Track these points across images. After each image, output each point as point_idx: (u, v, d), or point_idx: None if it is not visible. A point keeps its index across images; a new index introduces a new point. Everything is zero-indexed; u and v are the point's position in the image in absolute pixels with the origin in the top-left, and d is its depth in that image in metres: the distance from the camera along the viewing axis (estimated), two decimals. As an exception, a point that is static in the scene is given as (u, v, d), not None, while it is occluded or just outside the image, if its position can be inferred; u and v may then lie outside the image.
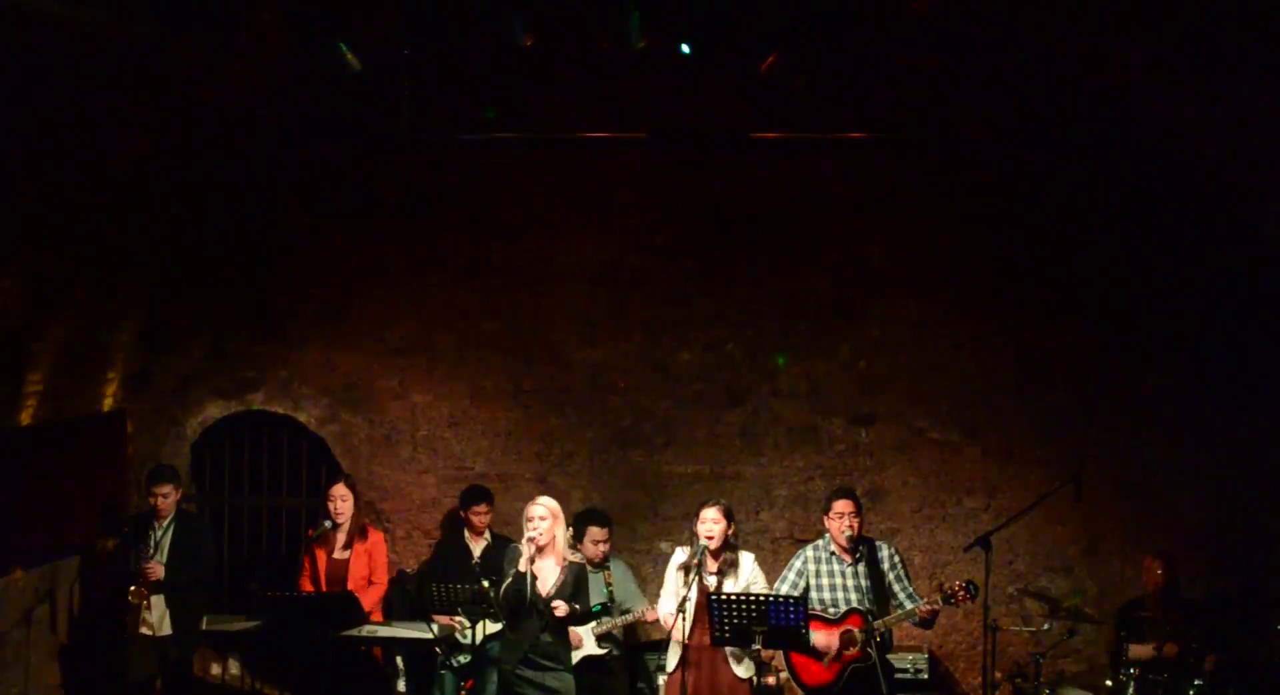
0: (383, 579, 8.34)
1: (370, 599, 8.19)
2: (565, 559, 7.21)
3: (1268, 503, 8.48)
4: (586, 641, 7.95)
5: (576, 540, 8.04)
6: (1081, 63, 8.19)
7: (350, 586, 7.99)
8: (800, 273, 9.05)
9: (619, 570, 8.22)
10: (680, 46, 7.58)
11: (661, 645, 7.60)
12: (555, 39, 8.00)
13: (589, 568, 7.97)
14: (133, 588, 8.10)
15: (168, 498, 8.26)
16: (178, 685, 8.53)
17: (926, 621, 7.36)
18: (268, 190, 9.27)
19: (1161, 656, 7.52)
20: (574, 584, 7.15)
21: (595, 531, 8.11)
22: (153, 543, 8.17)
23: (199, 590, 8.39)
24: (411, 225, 9.23)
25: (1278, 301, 8.27)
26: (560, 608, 7.12)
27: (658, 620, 7.82)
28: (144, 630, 8.20)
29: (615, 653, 8.15)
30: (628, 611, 8.10)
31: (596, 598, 7.95)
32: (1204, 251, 8.57)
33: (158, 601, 8.19)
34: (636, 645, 8.59)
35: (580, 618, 7.36)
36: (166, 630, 8.24)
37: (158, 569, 8.16)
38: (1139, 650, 7.59)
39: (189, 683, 8.81)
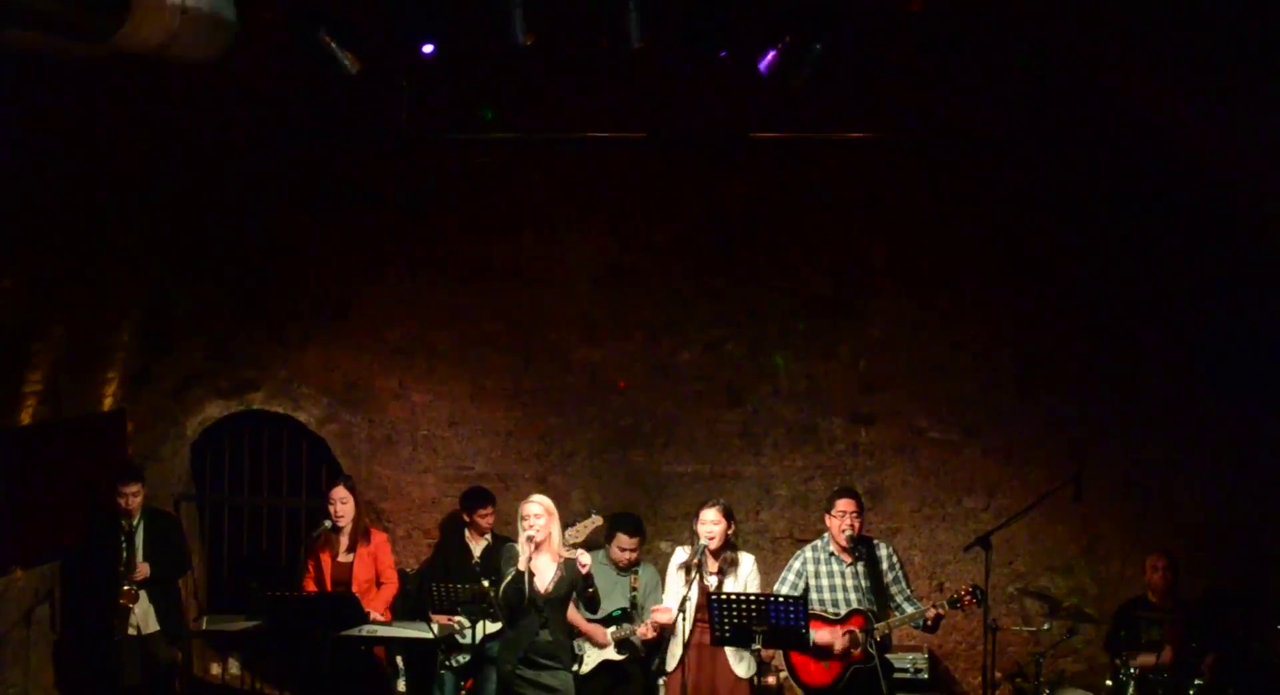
0: (392, 578, 8.34)
1: (382, 600, 8.21)
2: (560, 555, 7.20)
3: (1268, 502, 8.49)
4: (609, 643, 7.92)
5: (606, 542, 8.01)
6: (1081, 63, 8.18)
7: (355, 589, 7.98)
8: (800, 273, 9.05)
9: (646, 576, 8.12)
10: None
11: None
12: (555, 39, 7.99)
13: (616, 571, 7.96)
14: (125, 588, 8.12)
15: (136, 497, 8.28)
16: (169, 683, 8.54)
17: (931, 627, 7.36)
18: (268, 190, 9.27)
19: (1160, 662, 7.51)
20: (570, 580, 7.15)
21: (623, 539, 7.96)
22: (125, 544, 8.18)
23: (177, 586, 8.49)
24: (411, 225, 9.23)
25: (1278, 301, 8.27)
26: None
27: (647, 638, 7.79)
28: (130, 631, 8.21)
29: (640, 655, 8.07)
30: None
31: (619, 602, 7.92)
32: (1204, 251, 8.57)
33: (141, 598, 8.24)
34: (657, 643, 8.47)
35: (591, 599, 7.28)
36: (152, 626, 8.29)
37: (145, 568, 8.20)
38: (1142, 659, 7.58)
39: (187, 681, 8.83)
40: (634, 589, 7.97)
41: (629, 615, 7.93)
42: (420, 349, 9.32)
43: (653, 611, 7.75)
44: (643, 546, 8.19)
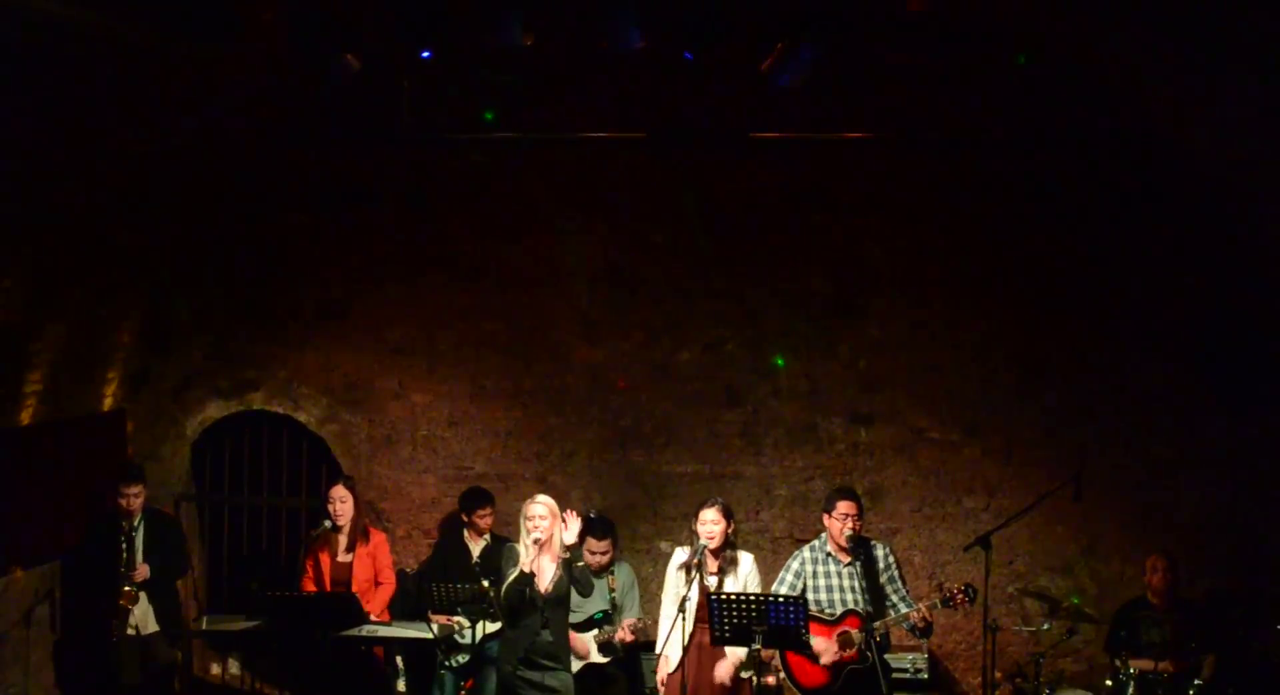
0: (390, 579, 8.36)
1: (380, 600, 8.22)
2: (560, 557, 7.20)
3: (1268, 502, 8.49)
4: (590, 651, 7.94)
5: (579, 547, 8.03)
6: (1081, 62, 8.19)
7: (355, 589, 7.99)
8: (800, 272, 9.05)
9: (623, 576, 8.16)
10: (684, 53, 7.58)
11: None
12: (555, 39, 8.00)
13: (591, 574, 7.98)
14: (126, 588, 8.13)
15: (138, 497, 8.29)
16: (168, 683, 8.55)
17: (923, 631, 7.33)
18: (268, 190, 9.27)
19: (1156, 670, 7.49)
20: (570, 581, 7.15)
21: (592, 542, 8.01)
22: (125, 544, 8.18)
23: (176, 586, 8.51)
24: (411, 225, 9.24)
25: (1277, 301, 8.27)
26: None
27: (627, 640, 7.81)
28: (130, 631, 8.21)
29: (620, 657, 8.10)
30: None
31: (600, 604, 7.93)
32: (1203, 251, 8.57)
33: (140, 599, 8.24)
34: (635, 646, 8.53)
35: (580, 576, 7.29)
36: (152, 627, 8.30)
37: (144, 569, 8.20)
38: (1138, 663, 7.57)
39: (187, 681, 8.83)
40: (612, 590, 7.99)
41: (610, 617, 7.95)
42: (420, 349, 9.32)
43: (621, 626, 7.85)
44: (616, 548, 8.22)
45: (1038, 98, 8.52)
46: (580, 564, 7.14)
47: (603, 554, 8.06)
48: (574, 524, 7.09)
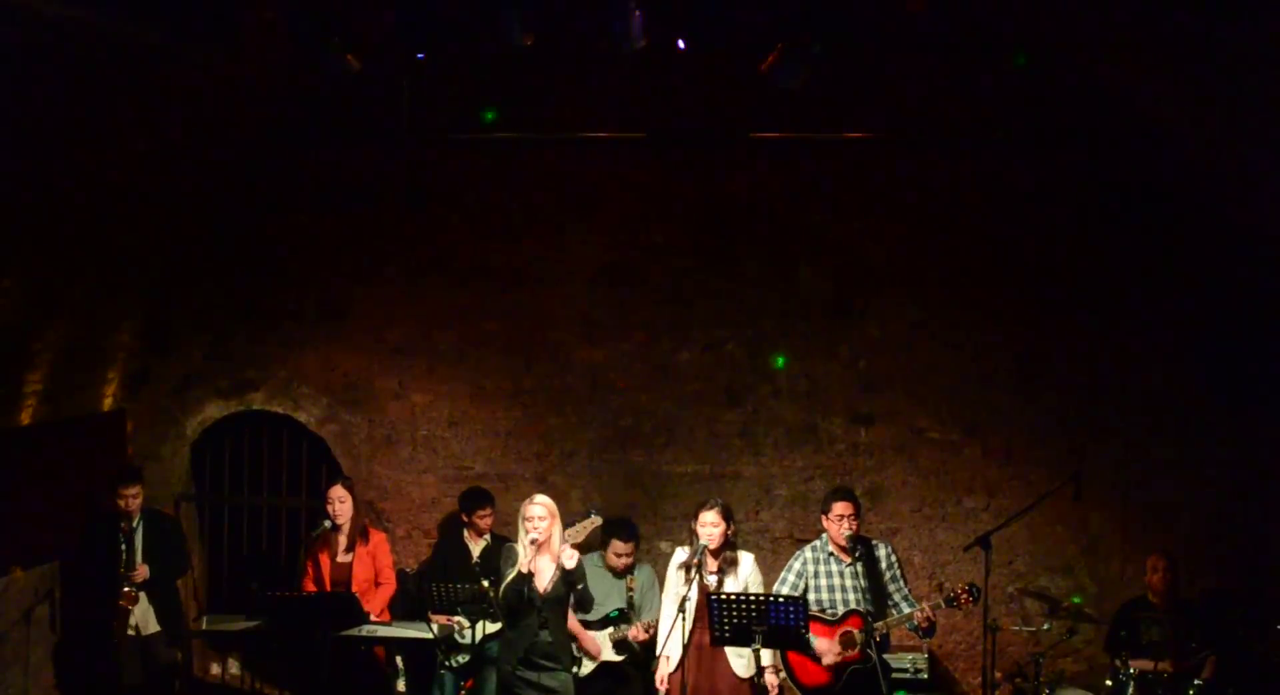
0: (390, 578, 8.36)
1: (380, 599, 8.22)
2: (559, 557, 7.19)
3: (1268, 503, 8.49)
4: (604, 649, 7.93)
5: (601, 548, 8.02)
6: (1081, 62, 8.19)
7: (355, 589, 8.00)
8: (800, 273, 9.05)
9: (643, 577, 8.14)
10: (678, 42, 7.58)
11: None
12: (555, 39, 8.00)
13: (612, 575, 7.97)
14: (126, 589, 8.13)
15: (136, 498, 8.28)
16: (169, 683, 8.55)
17: (926, 630, 7.33)
18: (268, 190, 9.27)
19: (1156, 670, 7.49)
20: (568, 581, 7.14)
21: (618, 545, 7.99)
22: (124, 545, 8.18)
23: (177, 586, 8.52)
24: (411, 225, 9.24)
25: (1277, 301, 8.27)
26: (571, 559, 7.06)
27: (640, 639, 7.80)
28: (130, 631, 8.21)
29: (637, 654, 8.07)
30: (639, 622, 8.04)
31: (616, 602, 7.93)
32: (1203, 250, 8.57)
33: (141, 599, 8.25)
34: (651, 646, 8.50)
35: (582, 597, 7.28)
36: (153, 628, 8.31)
37: (144, 570, 8.21)
38: (1138, 663, 7.57)
39: (187, 681, 8.83)
40: (630, 590, 7.98)
41: (626, 616, 7.94)
42: (420, 349, 9.32)
43: (636, 625, 7.83)
44: (638, 550, 8.20)
45: (1038, 98, 8.52)
46: (581, 586, 7.11)
47: (627, 556, 8.02)
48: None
